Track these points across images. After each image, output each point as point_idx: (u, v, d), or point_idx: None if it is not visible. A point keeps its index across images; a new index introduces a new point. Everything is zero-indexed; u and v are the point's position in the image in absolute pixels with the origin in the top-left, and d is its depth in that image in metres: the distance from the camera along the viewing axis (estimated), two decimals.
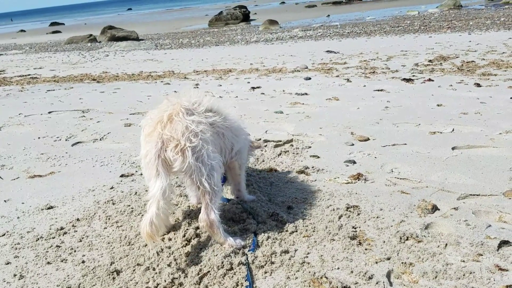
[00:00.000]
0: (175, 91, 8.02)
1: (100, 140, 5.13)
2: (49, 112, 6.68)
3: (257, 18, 38.23)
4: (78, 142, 5.05)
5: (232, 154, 2.98)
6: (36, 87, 9.59)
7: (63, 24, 61.08)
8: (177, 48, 20.12)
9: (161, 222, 2.51)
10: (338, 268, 2.42)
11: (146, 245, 2.71)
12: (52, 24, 61.46)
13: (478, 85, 6.71)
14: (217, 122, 2.74)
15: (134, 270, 2.50)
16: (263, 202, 3.20)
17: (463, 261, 2.40)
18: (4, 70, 13.94)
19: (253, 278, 2.38)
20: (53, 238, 2.91)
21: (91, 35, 29.01)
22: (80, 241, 2.86)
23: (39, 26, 65.14)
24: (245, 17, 37.39)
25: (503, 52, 9.83)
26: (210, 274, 2.42)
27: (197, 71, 10.97)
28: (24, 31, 52.44)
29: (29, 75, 12.11)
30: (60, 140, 5.16)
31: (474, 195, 3.17)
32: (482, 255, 2.45)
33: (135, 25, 39.43)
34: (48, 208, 3.36)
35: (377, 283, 2.26)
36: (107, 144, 4.96)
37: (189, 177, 2.58)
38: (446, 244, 2.56)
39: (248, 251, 2.60)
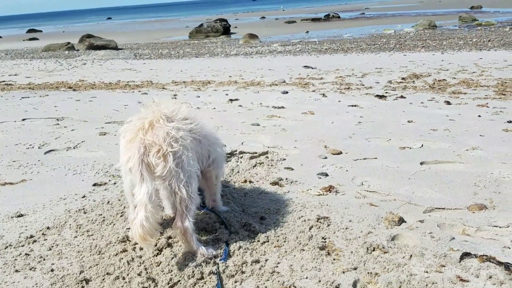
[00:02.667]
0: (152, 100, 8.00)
1: (74, 148, 5.08)
2: (23, 120, 6.57)
3: (238, 31, 38.54)
4: (51, 150, 4.99)
5: (209, 161, 3.03)
6: (11, 94, 9.42)
7: (41, 31, 60.10)
8: (157, 58, 20.10)
9: (151, 226, 2.49)
10: (307, 278, 2.47)
11: (116, 254, 2.72)
12: (30, 31, 60.42)
13: (448, 103, 6.95)
14: (195, 129, 2.79)
15: (103, 279, 2.49)
16: (236, 213, 3.24)
17: (427, 272, 2.49)
18: None
19: (223, 287, 2.41)
20: (22, 246, 2.88)
21: (69, 43, 28.66)
22: (50, 249, 2.83)
23: (16, 32, 63.88)
24: (226, 30, 37.63)
25: (474, 72, 10.20)
26: (181, 283, 2.44)
27: (175, 82, 10.99)
28: (0, 37, 51.38)
29: (4, 81, 11.87)
30: (33, 147, 5.09)
31: (439, 208, 3.29)
32: (444, 266, 2.54)
33: (114, 34, 39.17)
34: (18, 216, 3.31)
35: None
36: (81, 153, 4.92)
37: (168, 182, 2.61)
38: (411, 255, 2.65)
39: (220, 260, 2.63)
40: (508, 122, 5.53)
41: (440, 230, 2.96)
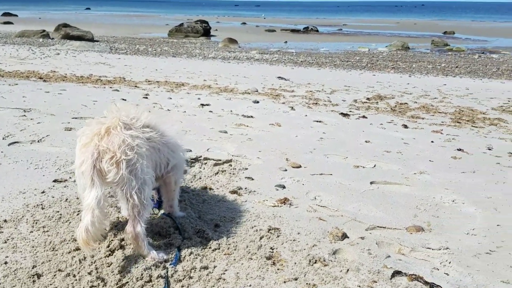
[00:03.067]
0: (123, 99, 8.05)
1: (38, 142, 5.09)
2: None
3: (218, 34, 38.67)
4: (15, 142, 4.99)
5: (168, 168, 3.14)
6: None
7: (16, 15, 58.26)
8: (132, 54, 19.98)
9: (97, 231, 2.60)
10: (250, 286, 2.64)
11: (69, 252, 2.82)
12: (5, 14, 58.43)
13: (406, 126, 7.30)
14: (154, 138, 2.89)
15: (54, 275, 2.59)
16: (192, 219, 3.38)
17: (359, 286, 2.71)
18: None
19: None
20: None
21: (44, 30, 28.05)
22: (5, 242, 2.91)
23: None
24: (206, 32, 37.71)
25: (435, 98, 10.69)
26: (129, 284, 2.56)
27: (149, 81, 11.01)
28: None
29: None
30: None
31: (380, 227, 3.53)
32: (376, 282, 2.77)
33: (91, 26, 38.52)
34: None
35: None
36: (44, 147, 4.95)
37: (120, 189, 2.71)
38: (348, 270, 2.86)
39: (169, 265, 2.76)
40: (457, 149, 5.90)
41: (378, 247, 3.19)
